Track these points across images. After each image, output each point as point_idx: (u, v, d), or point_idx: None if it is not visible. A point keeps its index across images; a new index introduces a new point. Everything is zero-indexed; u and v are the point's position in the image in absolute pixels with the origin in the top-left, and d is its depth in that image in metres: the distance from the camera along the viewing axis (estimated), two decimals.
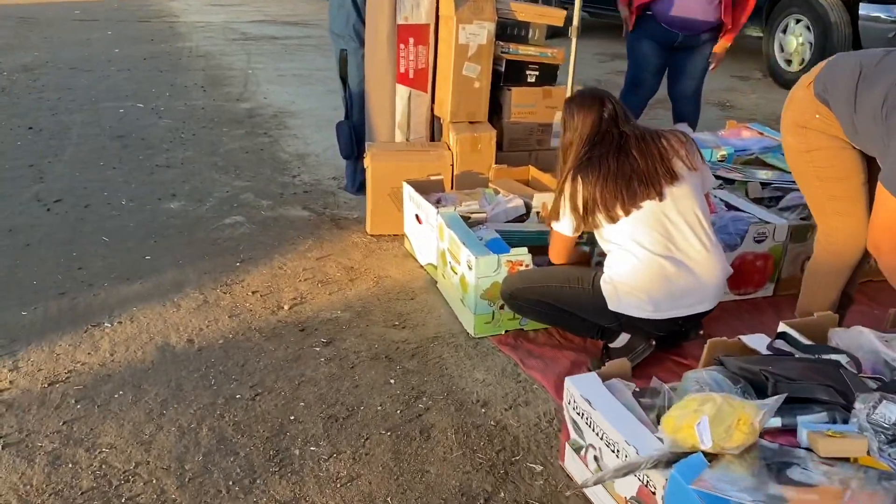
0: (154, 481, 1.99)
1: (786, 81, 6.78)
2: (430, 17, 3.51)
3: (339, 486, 1.99)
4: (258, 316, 2.82)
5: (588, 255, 2.74)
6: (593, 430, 1.84)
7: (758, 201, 3.23)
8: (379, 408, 2.30)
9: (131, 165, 4.48)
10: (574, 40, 3.50)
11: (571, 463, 1.99)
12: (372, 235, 3.52)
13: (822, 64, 2.35)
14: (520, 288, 2.48)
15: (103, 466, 2.04)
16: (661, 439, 1.67)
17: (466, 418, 2.26)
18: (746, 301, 2.99)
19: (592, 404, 1.84)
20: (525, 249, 2.63)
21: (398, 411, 2.29)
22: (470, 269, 2.61)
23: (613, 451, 1.76)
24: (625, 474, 1.62)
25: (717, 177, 3.30)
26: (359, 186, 3.96)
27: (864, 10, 6.16)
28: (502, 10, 3.51)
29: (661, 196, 2.23)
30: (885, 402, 1.63)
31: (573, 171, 2.31)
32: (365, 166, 3.50)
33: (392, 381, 2.44)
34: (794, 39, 6.71)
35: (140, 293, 2.98)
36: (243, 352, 2.59)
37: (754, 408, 1.59)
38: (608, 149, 2.28)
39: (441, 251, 2.92)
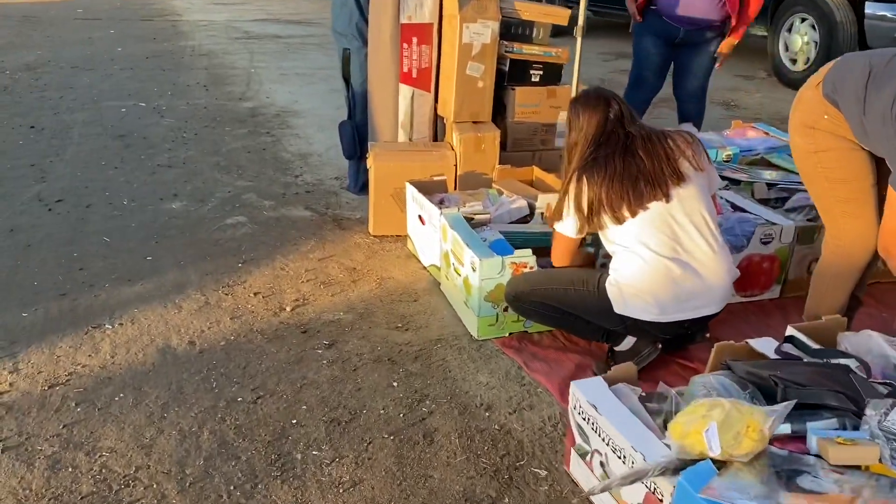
0: (154, 486, 1.97)
1: (790, 81, 6.75)
2: (434, 17, 3.48)
3: (341, 491, 1.97)
4: (260, 317, 2.80)
5: (593, 257, 2.71)
6: (599, 436, 1.81)
7: (764, 202, 3.21)
8: (382, 411, 2.28)
9: (133, 165, 4.46)
10: (579, 40, 3.47)
11: (577, 468, 1.96)
12: (374, 236, 3.50)
13: (830, 64, 2.32)
14: (524, 290, 2.46)
15: (103, 471, 2.02)
16: (668, 445, 1.64)
17: (470, 422, 2.23)
18: (752, 303, 2.96)
19: (598, 409, 1.81)
20: (529, 251, 2.60)
21: (401, 415, 2.26)
22: (473, 270, 2.59)
23: (620, 458, 1.74)
24: (632, 482, 1.60)
25: (723, 177, 3.27)
26: (361, 186, 3.93)
27: (869, 8, 6.12)
28: (506, 9, 3.49)
29: (667, 197, 2.20)
30: None
31: (578, 172, 2.28)
32: (368, 166, 3.48)
33: (395, 384, 2.42)
34: (800, 38, 6.67)
35: (141, 294, 2.96)
36: (245, 354, 2.57)
37: (763, 414, 1.56)
38: (614, 149, 2.26)
39: (444, 252, 2.90)
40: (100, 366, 2.48)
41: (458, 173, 3.45)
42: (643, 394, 1.90)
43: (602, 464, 1.82)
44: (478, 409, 2.30)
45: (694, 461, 1.57)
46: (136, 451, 2.10)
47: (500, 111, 3.62)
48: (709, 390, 1.81)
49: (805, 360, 1.98)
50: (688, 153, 2.26)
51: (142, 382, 2.40)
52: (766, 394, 1.77)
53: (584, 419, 1.87)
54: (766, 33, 7.09)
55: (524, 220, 3.07)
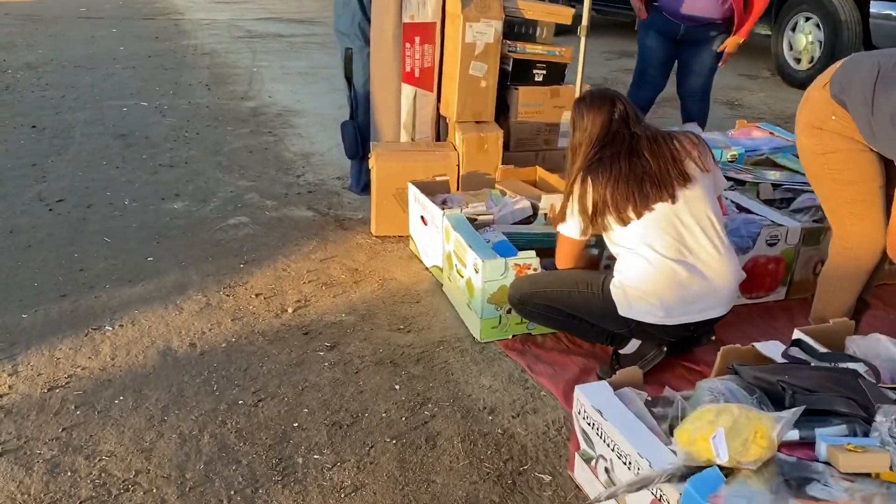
0: (154, 490, 1.95)
1: (795, 80, 6.72)
2: (437, 16, 3.46)
3: (343, 496, 1.94)
4: (261, 319, 2.78)
5: (597, 260, 2.69)
6: (604, 441, 1.79)
7: (769, 203, 3.18)
8: (384, 414, 2.26)
9: (134, 165, 4.44)
10: (583, 39, 3.44)
11: (581, 473, 1.94)
12: (377, 237, 3.47)
13: (838, 64, 2.30)
14: (528, 292, 2.43)
15: (103, 475, 2.00)
16: (674, 452, 1.62)
17: (473, 426, 2.21)
18: (758, 305, 2.93)
19: (603, 414, 1.79)
20: (533, 253, 2.58)
21: (403, 418, 2.24)
22: (476, 272, 2.57)
23: (625, 464, 1.71)
24: (638, 489, 1.57)
25: (728, 178, 3.25)
26: (363, 187, 3.91)
27: (874, 7, 6.09)
28: (509, 8, 3.47)
29: (673, 198, 2.18)
30: None
31: (583, 173, 2.26)
32: (370, 167, 3.45)
33: (397, 386, 2.39)
34: (804, 37, 6.63)
35: (142, 295, 2.94)
36: (246, 356, 2.55)
37: (772, 420, 1.54)
38: (619, 150, 2.23)
39: (447, 253, 2.88)
40: (100, 368, 2.46)
41: (460, 173, 3.43)
42: (648, 398, 1.88)
43: (607, 469, 1.80)
44: (481, 412, 2.27)
45: (701, 468, 1.54)
46: (136, 454, 2.08)
47: (503, 111, 3.60)
48: (715, 395, 1.78)
49: (812, 364, 1.96)
50: (694, 154, 2.23)
51: (142, 385, 2.38)
52: (774, 399, 1.74)
53: (589, 424, 1.85)
54: (769, 32, 7.05)
55: (527, 220, 3.04)
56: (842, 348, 2.06)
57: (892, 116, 2.04)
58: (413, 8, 3.43)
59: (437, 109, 3.64)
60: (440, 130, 3.69)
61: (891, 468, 1.51)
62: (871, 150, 2.24)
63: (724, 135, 3.98)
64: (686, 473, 1.55)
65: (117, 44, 8.34)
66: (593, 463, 1.86)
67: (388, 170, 3.37)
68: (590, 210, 2.22)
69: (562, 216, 2.32)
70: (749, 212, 3.02)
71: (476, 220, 2.89)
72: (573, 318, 2.39)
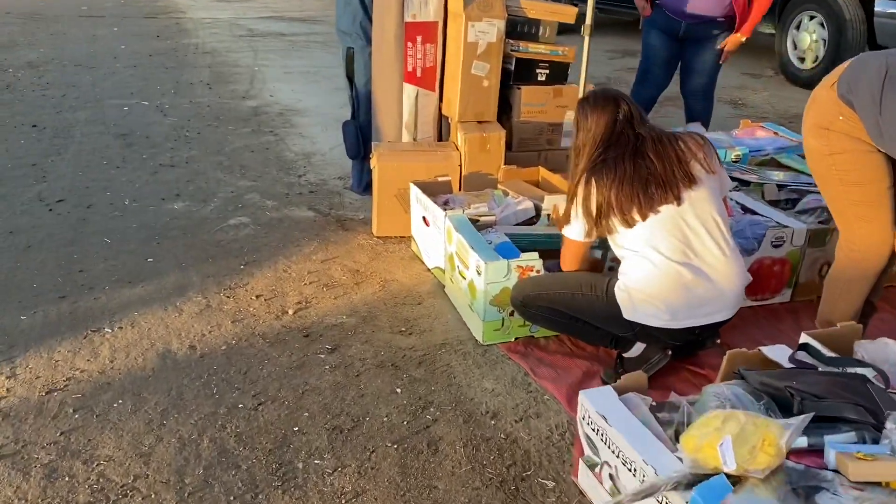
0: (153, 496, 1.93)
1: (799, 79, 6.68)
2: (439, 15, 3.43)
3: (343, 501, 1.92)
4: (262, 321, 2.76)
5: (600, 262, 2.66)
6: (609, 448, 1.76)
7: (774, 204, 3.15)
8: (385, 418, 2.23)
9: (135, 164, 4.42)
10: (587, 38, 3.41)
11: (585, 480, 1.91)
12: (378, 237, 3.45)
13: (845, 63, 2.27)
14: (531, 295, 2.40)
15: (101, 480, 1.98)
16: (680, 459, 1.59)
17: (475, 430, 2.18)
18: (763, 307, 2.91)
19: (608, 420, 1.76)
20: (536, 254, 2.55)
21: (405, 422, 2.22)
22: (479, 274, 2.54)
23: (630, 470, 1.69)
24: (644, 497, 1.55)
25: (732, 178, 3.22)
26: (365, 187, 3.89)
27: (879, 6, 6.05)
28: (512, 7, 3.44)
29: (679, 200, 2.15)
30: None
31: (586, 174, 2.23)
32: (371, 167, 3.43)
33: (398, 390, 2.37)
34: (808, 36, 6.60)
35: (142, 297, 2.91)
36: (246, 359, 2.53)
37: (780, 427, 1.51)
38: (623, 151, 2.20)
39: (449, 255, 2.85)
40: (98, 371, 2.44)
41: (462, 174, 3.40)
42: (653, 403, 1.85)
43: (612, 476, 1.77)
44: (483, 416, 2.25)
45: (707, 476, 1.52)
46: (135, 459, 2.05)
47: (505, 111, 3.57)
48: (722, 401, 1.76)
49: (820, 368, 1.93)
50: (699, 155, 2.21)
51: (141, 388, 2.36)
52: (782, 405, 1.71)
53: (594, 430, 1.82)
54: (773, 31, 7.01)
55: (530, 221, 3.02)
56: (850, 352, 2.03)
57: None
58: (415, 7, 3.40)
59: (439, 109, 3.62)
60: (442, 130, 3.67)
61: None
62: (879, 152, 2.21)
63: (728, 135, 3.95)
64: (692, 481, 1.52)
65: (118, 42, 8.32)
66: (598, 469, 1.84)
67: (390, 170, 3.35)
68: (594, 212, 2.20)
69: (566, 218, 2.29)
70: (754, 213, 2.99)
71: (478, 220, 2.86)
72: (577, 321, 2.37)
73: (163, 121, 5.33)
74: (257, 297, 2.92)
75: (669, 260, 2.14)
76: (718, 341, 2.41)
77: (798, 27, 6.70)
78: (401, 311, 2.84)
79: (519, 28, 3.55)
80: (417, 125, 3.60)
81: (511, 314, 2.56)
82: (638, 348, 2.35)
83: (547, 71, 3.56)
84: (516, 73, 3.52)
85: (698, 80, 4.21)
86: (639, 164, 2.16)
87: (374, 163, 3.37)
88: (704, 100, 4.30)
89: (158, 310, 2.82)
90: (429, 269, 3.15)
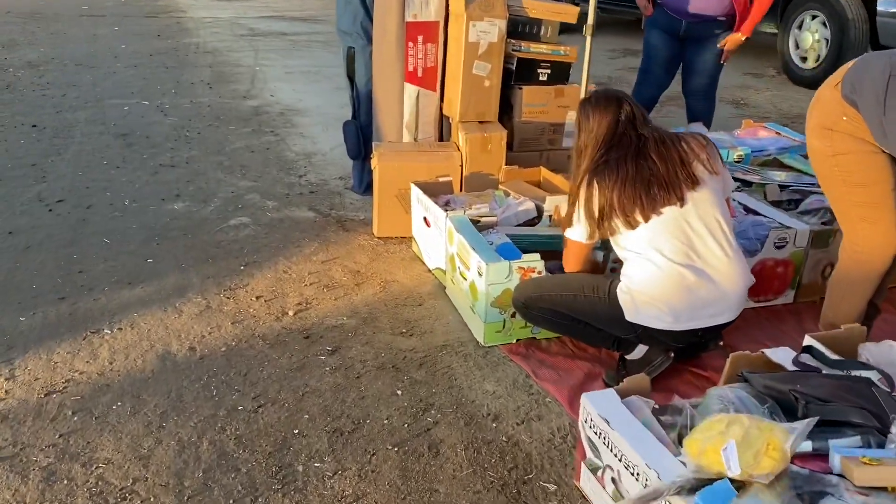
0: (152, 499, 1.91)
1: (801, 79, 6.66)
2: (440, 15, 3.42)
3: None
4: (262, 322, 2.74)
5: (601, 265, 2.64)
6: (611, 451, 1.75)
7: (776, 204, 3.13)
8: (385, 421, 2.22)
9: (135, 165, 4.41)
10: (588, 39, 3.40)
11: (587, 483, 1.90)
12: (379, 238, 3.43)
13: (850, 64, 2.25)
14: (532, 296, 2.39)
15: (99, 483, 1.96)
16: (683, 463, 1.58)
17: (476, 433, 2.17)
18: (766, 308, 2.89)
19: (610, 423, 1.75)
20: (537, 255, 2.53)
21: (405, 425, 2.20)
22: (480, 275, 2.53)
23: (633, 474, 1.67)
24: (647, 502, 1.53)
25: (735, 178, 3.20)
26: (366, 187, 3.87)
27: (882, 5, 6.03)
28: (514, 6, 3.42)
29: (682, 201, 2.13)
30: None
31: (589, 176, 2.21)
32: (372, 167, 3.41)
33: (399, 392, 2.36)
34: (810, 36, 6.57)
35: (141, 298, 2.90)
36: (246, 360, 2.51)
37: (784, 432, 1.50)
38: (626, 152, 2.19)
39: (450, 256, 2.84)
40: (98, 372, 2.43)
41: (463, 174, 3.39)
42: (656, 406, 1.84)
43: (614, 480, 1.76)
44: (484, 419, 2.23)
45: (711, 480, 1.50)
46: (134, 462, 2.04)
47: (506, 111, 3.56)
48: (725, 404, 1.74)
49: (824, 371, 1.91)
50: (702, 156, 2.19)
51: (140, 390, 2.35)
52: (786, 408, 1.70)
53: (596, 433, 1.80)
54: (775, 30, 6.99)
55: (532, 222, 3.00)
56: (854, 355, 2.01)
57: None
58: (416, 7, 3.39)
59: (440, 109, 3.60)
60: (443, 130, 3.65)
61: None
62: (883, 152, 2.19)
63: (730, 135, 3.94)
64: (696, 486, 1.51)
65: (119, 42, 8.31)
66: (600, 473, 1.82)
67: (391, 170, 3.33)
68: (596, 214, 2.18)
69: (568, 220, 2.28)
70: (757, 213, 2.98)
71: (479, 221, 2.85)
72: (579, 323, 2.35)
73: (163, 121, 5.32)
74: (257, 298, 2.91)
75: (672, 262, 2.13)
76: (721, 343, 2.40)
77: (800, 27, 6.68)
78: (401, 313, 2.82)
79: (520, 28, 3.54)
80: (418, 125, 3.58)
81: (512, 316, 2.55)
82: (640, 350, 2.34)
83: (548, 71, 3.55)
84: (518, 73, 3.51)
85: (699, 79, 4.20)
86: (641, 166, 2.15)
87: (374, 163, 3.36)
88: (706, 100, 4.29)
89: (158, 311, 2.80)
90: (430, 270, 3.13)
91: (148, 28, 9.31)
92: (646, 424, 1.74)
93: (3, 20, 9.58)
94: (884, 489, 1.45)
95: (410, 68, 3.48)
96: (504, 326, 2.57)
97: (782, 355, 2.01)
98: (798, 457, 1.56)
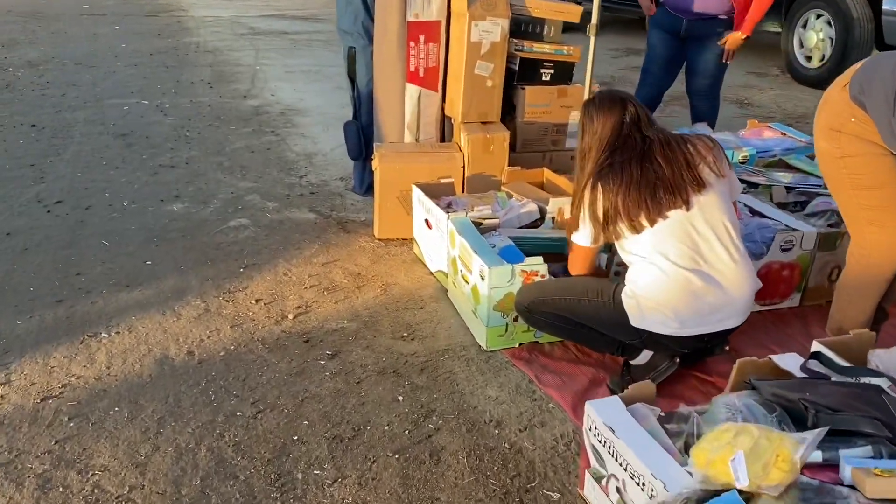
0: None
1: (805, 78, 6.62)
2: (442, 14, 3.38)
3: None
4: (261, 326, 2.71)
5: (605, 266, 2.60)
6: (616, 460, 1.71)
7: (782, 206, 3.10)
8: (386, 427, 2.19)
9: (134, 165, 4.37)
10: (592, 38, 3.36)
11: (591, 492, 1.86)
12: (380, 240, 3.40)
13: (858, 64, 2.22)
14: (535, 300, 2.35)
15: (95, 491, 1.93)
16: (690, 473, 1.54)
17: (479, 440, 2.13)
18: (772, 312, 2.85)
19: (615, 432, 1.71)
20: (541, 259, 2.50)
21: (406, 431, 2.17)
22: (482, 279, 2.49)
23: (638, 484, 1.64)
24: None
25: (740, 180, 3.15)
26: (367, 188, 3.84)
27: (887, 4, 5.99)
28: (516, 6, 3.39)
29: (688, 205, 2.10)
30: None
31: (593, 179, 2.18)
32: (373, 168, 3.38)
33: (400, 397, 2.32)
34: (815, 35, 6.53)
35: (139, 301, 2.87)
36: (245, 365, 2.48)
37: (794, 442, 1.46)
38: (630, 154, 2.15)
39: (452, 258, 2.80)
40: (95, 377, 2.40)
41: (465, 175, 3.35)
42: (662, 414, 1.80)
43: (619, 489, 1.72)
44: (487, 425, 2.20)
45: (718, 492, 1.46)
46: (130, 469, 2.01)
47: (509, 111, 3.52)
48: (733, 412, 1.71)
49: (833, 378, 1.88)
50: (708, 159, 2.15)
51: (138, 395, 2.32)
52: (795, 417, 1.66)
53: (600, 442, 1.77)
54: (779, 29, 6.95)
55: (534, 224, 2.97)
56: (863, 361, 1.97)
57: None
58: (417, 6, 3.35)
59: (442, 109, 3.56)
60: (445, 131, 3.62)
61: None
62: (892, 154, 2.16)
63: (734, 135, 3.90)
64: (703, 497, 1.47)
65: (119, 41, 8.27)
66: (604, 482, 1.79)
67: (392, 171, 3.30)
68: (601, 218, 2.14)
69: (574, 224, 2.24)
70: (763, 216, 2.94)
71: (482, 223, 2.82)
72: (582, 328, 2.31)
73: (163, 120, 5.29)
74: (257, 301, 2.88)
75: (678, 267, 2.09)
76: (727, 348, 2.36)
77: (805, 25, 6.63)
78: (402, 316, 2.79)
79: (523, 27, 3.50)
80: (420, 126, 3.55)
81: (515, 320, 2.51)
82: (645, 356, 2.30)
83: (551, 71, 3.51)
84: (520, 73, 3.47)
85: (702, 80, 4.17)
86: (646, 169, 2.11)
87: (375, 164, 3.32)
88: (709, 99, 4.26)
89: (156, 314, 2.77)
90: (431, 273, 3.10)
91: (148, 27, 9.28)
92: (651, 433, 1.71)
93: (3, 19, 9.55)
94: (895, 501, 1.42)
95: (412, 68, 3.45)
96: (506, 330, 2.54)
97: (790, 361, 1.97)
98: (807, 467, 1.52)
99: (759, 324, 2.74)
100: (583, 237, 2.24)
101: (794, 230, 2.79)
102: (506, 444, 2.12)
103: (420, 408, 2.27)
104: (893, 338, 2.39)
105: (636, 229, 2.11)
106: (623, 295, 2.19)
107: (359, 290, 2.97)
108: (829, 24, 6.36)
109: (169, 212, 3.71)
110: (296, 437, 2.14)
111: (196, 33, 8.96)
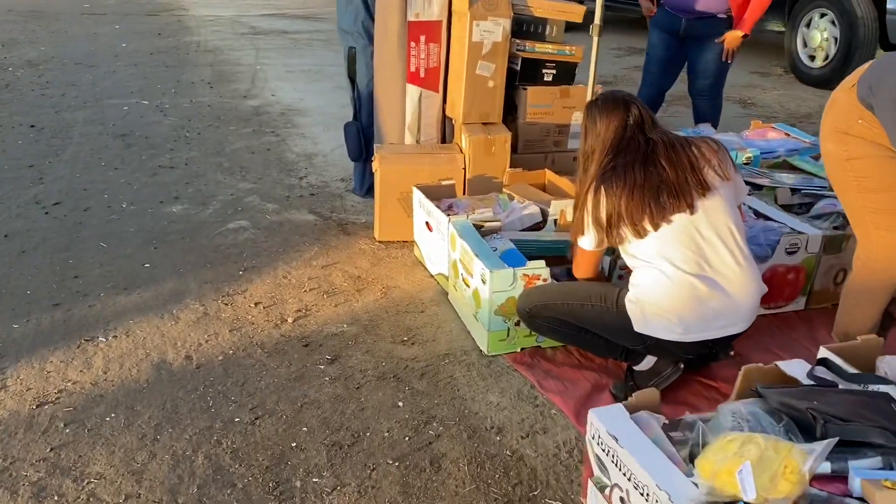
0: None
1: (809, 78, 6.58)
2: (443, 14, 3.35)
3: None
4: (260, 330, 2.68)
5: (608, 270, 2.57)
6: (620, 470, 1.68)
7: (787, 208, 3.06)
8: (386, 434, 2.15)
9: (133, 166, 4.34)
10: (595, 39, 3.32)
11: (594, 502, 1.83)
12: (380, 242, 3.37)
13: (866, 65, 2.19)
14: (537, 305, 2.32)
15: (91, 499, 1.90)
16: (695, 484, 1.51)
17: (480, 447, 2.10)
18: (777, 315, 2.82)
19: (619, 441, 1.68)
20: (543, 262, 2.47)
21: (406, 438, 2.14)
22: (484, 283, 2.46)
23: (643, 495, 1.60)
24: None
25: (744, 181, 3.13)
26: (367, 189, 3.81)
27: (891, 3, 5.94)
28: (518, 5, 3.35)
29: (692, 209, 2.06)
30: None
31: (596, 182, 2.14)
32: (373, 170, 3.35)
33: (400, 403, 2.29)
34: (819, 34, 6.49)
35: (137, 304, 2.84)
36: (244, 370, 2.45)
37: (803, 453, 1.43)
38: (634, 157, 2.12)
39: (453, 262, 2.77)
40: (91, 382, 2.37)
41: (467, 177, 3.32)
42: (666, 422, 1.77)
43: (622, 500, 1.69)
44: (488, 432, 2.17)
45: None
46: (126, 477, 1.98)
47: (511, 112, 3.49)
48: (739, 420, 1.67)
49: (840, 385, 1.85)
50: (713, 162, 2.12)
51: (134, 401, 2.29)
52: (803, 427, 1.63)
53: (604, 450, 1.74)
54: (783, 28, 6.91)
55: (536, 226, 2.93)
56: (871, 367, 1.94)
57: None
58: (418, 6, 3.32)
59: (443, 110, 3.53)
60: (446, 132, 3.58)
61: None
62: None
63: (738, 136, 3.87)
64: None
65: (119, 41, 8.25)
66: (608, 491, 1.75)
67: (393, 173, 3.27)
68: (604, 222, 2.11)
69: (578, 227, 2.20)
70: (767, 218, 2.91)
71: (483, 226, 2.78)
72: (585, 333, 2.28)
73: (163, 121, 5.26)
74: (256, 304, 2.85)
75: (683, 272, 2.06)
76: (732, 353, 2.32)
77: (808, 25, 6.59)
78: (403, 320, 2.76)
79: (525, 27, 3.47)
80: (420, 127, 3.52)
81: (517, 324, 2.48)
82: (649, 361, 2.27)
83: (554, 71, 3.48)
84: (522, 74, 3.44)
85: (703, 80, 4.15)
86: (650, 172, 2.08)
87: (376, 166, 3.29)
88: (711, 99, 4.23)
89: (154, 318, 2.74)
90: (432, 276, 3.07)
91: (149, 26, 9.25)
92: (656, 442, 1.67)
93: (3, 18, 9.52)
94: None
95: (412, 69, 3.42)
96: (508, 335, 2.51)
97: (797, 368, 1.94)
98: (816, 479, 1.49)
99: (763, 328, 2.70)
100: (587, 241, 2.20)
101: (800, 233, 2.75)
102: (507, 452, 2.09)
103: (420, 414, 2.24)
104: None
105: (639, 234, 2.08)
106: (626, 300, 2.15)
107: (359, 294, 2.94)
108: (833, 23, 6.32)
109: (168, 213, 3.68)
110: (294, 444, 2.11)
111: (196, 32, 8.93)
